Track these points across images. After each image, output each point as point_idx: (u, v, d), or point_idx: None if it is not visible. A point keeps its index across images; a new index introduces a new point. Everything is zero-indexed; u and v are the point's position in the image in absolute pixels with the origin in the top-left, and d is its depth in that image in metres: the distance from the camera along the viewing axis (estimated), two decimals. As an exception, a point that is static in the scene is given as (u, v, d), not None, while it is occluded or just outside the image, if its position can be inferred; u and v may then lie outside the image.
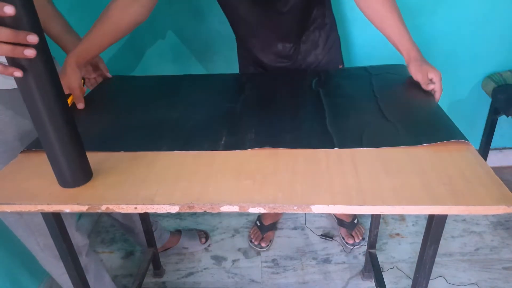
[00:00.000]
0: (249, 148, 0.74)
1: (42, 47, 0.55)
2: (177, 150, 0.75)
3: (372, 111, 0.86)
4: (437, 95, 0.91)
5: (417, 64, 0.91)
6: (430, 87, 0.91)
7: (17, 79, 0.56)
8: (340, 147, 0.73)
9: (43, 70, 0.56)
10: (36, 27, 0.54)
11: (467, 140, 0.72)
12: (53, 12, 1.02)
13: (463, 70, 1.63)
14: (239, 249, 1.55)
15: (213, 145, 0.76)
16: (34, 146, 0.78)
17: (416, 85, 0.94)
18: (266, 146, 0.74)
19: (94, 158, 0.71)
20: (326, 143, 0.74)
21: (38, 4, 0.56)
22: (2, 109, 0.85)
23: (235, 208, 0.60)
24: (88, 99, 1.01)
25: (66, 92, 0.89)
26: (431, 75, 0.91)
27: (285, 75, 1.11)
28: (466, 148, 0.71)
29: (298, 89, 1.00)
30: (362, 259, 1.47)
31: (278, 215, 1.65)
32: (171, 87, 1.07)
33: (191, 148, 0.76)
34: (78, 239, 1.03)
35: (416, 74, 0.92)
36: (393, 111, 0.85)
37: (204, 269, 1.47)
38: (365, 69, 1.10)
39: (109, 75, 1.13)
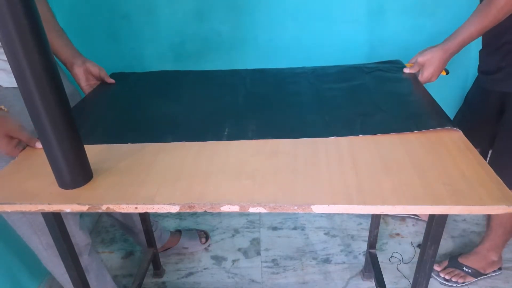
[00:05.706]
0: (251, 138, 0.78)
1: (43, 50, 0.55)
2: (182, 141, 0.78)
3: (367, 103, 0.90)
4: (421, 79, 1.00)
5: (438, 52, 0.96)
6: (421, 76, 0.99)
7: (17, 80, 0.56)
8: (337, 135, 0.77)
9: (43, 73, 0.56)
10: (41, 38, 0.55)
11: (456, 128, 0.75)
12: (54, 27, 1.02)
13: (463, 70, 1.62)
14: (239, 249, 1.55)
15: (217, 136, 0.79)
16: None
17: (408, 78, 1.01)
18: (267, 137, 0.78)
19: (94, 158, 0.71)
20: (324, 132, 0.79)
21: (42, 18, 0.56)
22: (7, 106, 0.85)
23: (235, 208, 0.60)
24: (92, 95, 1.03)
25: None
26: (425, 70, 0.97)
27: (283, 71, 1.15)
28: (457, 136, 0.74)
29: (296, 84, 1.04)
30: (362, 259, 1.47)
31: None
32: (174, 82, 1.11)
33: (196, 139, 0.78)
34: (81, 238, 1.03)
35: (427, 55, 0.97)
36: (386, 102, 0.90)
37: (204, 269, 1.47)
38: (359, 65, 1.15)
39: (111, 80, 1.12)
